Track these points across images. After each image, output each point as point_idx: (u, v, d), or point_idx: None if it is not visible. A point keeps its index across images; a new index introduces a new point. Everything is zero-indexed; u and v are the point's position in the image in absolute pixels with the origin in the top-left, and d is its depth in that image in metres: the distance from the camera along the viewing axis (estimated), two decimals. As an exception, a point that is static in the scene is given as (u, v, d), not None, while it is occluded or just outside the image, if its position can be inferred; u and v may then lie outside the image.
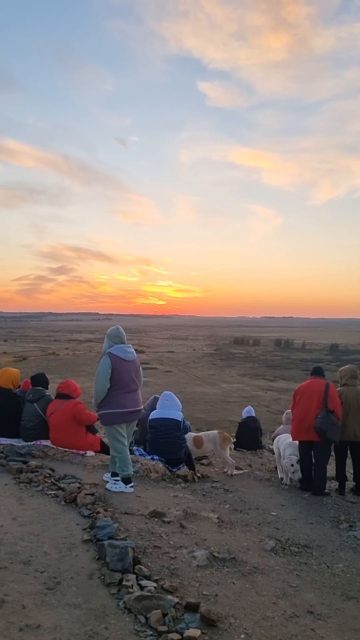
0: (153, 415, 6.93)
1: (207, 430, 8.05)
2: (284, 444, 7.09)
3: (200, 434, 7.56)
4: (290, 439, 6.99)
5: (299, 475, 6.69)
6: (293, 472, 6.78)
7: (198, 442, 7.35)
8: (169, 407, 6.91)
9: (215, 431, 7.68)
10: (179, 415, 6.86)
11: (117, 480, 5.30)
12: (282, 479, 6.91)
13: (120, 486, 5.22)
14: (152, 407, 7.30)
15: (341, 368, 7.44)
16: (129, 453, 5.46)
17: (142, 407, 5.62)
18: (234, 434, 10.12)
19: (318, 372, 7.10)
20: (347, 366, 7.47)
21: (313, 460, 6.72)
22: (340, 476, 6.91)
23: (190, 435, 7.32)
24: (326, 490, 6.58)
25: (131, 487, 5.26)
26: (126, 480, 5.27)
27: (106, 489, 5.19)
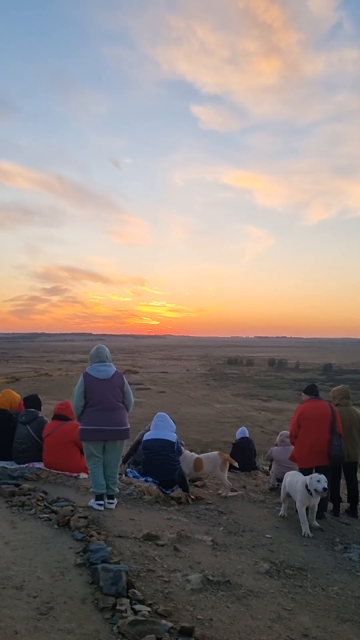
0: (147, 436, 6.90)
1: (203, 452, 7.96)
2: (298, 484, 5.93)
3: (200, 455, 7.46)
4: (299, 476, 6.12)
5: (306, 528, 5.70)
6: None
7: (198, 464, 7.25)
8: (163, 428, 6.88)
9: (216, 452, 7.59)
10: (172, 437, 6.83)
11: (101, 503, 5.34)
12: (282, 515, 6.29)
13: (91, 502, 5.32)
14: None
15: (334, 388, 7.47)
16: (100, 472, 5.42)
17: (124, 427, 5.50)
18: (229, 455, 10.06)
19: (314, 391, 7.01)
20: (340, 386, 7.50)
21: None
22: (335, 497, 6.89)
23: (192, 457, 7.25)
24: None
25: (99, 504, 5.27)
26: (96, 497, 5.36)
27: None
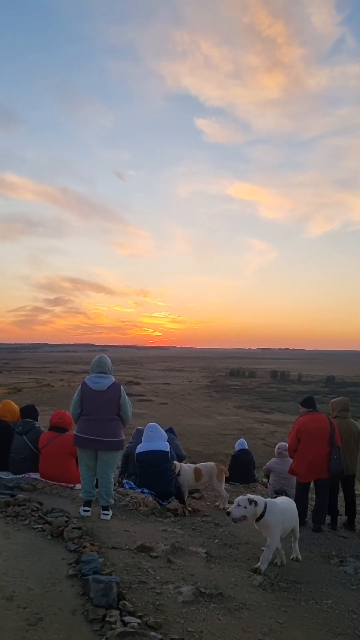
0: (140, 448, 6.85)
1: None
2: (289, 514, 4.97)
3: (198, 465, 7.41)
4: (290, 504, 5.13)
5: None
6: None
7: (198, 473, 7.17)
8: (155, 438, 6.85)
9: (212, 463, 7.55)
10: (165, 446, 6.81)
11: (87, 509, 5.42)
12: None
13: (80, 508, 5.42)
14: (138, 439, 7.27)
15: (333, 400, 7.45)
16: (89, 479, 5.53)
17: (114, 439, 5.50)
18: (227, 467, 10.02)
19: (311, 404, 6.96)
20: (339, 398, 7.49)
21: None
22: (333, 510, 6.85)
23: (191, 469, 7.17)
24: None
25: (85, 511, 5.36)
26: (84, 503, 5.46)
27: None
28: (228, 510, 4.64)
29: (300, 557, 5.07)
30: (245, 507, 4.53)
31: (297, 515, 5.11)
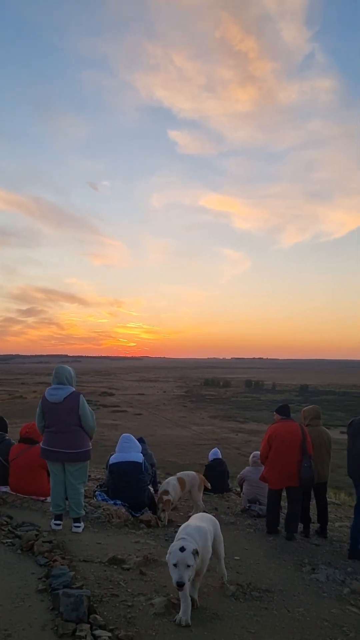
0: (112, 459, 6.79)
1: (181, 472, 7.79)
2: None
3: (180, 474, 7.30)
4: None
5: None
6: None
7: (182, 483, 7.05)
8: (129, 449, 6.79)
9: (194, 473, 7.44)
10: (139, 457, 6.75)
11: (58, 523, 5.39)
12: None
13: (51, 522, 5.39)
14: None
15: (305, 408, 7.52)
16: (58, 492, 5.47)
17: (77, 450, 5.43)
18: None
19: (285, 412, 7.01)
20: (311, 406, 7.56)
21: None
22: (305, 518, 6.89)
23: (175, 479, 7.05)
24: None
25: (56, 524, 5.32)
26: (55, 517, 5.42)
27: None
28: (180, 582, 3.36)
29: (226, 578, 4.35)
30: (192, 565, 3.45)
31: (209, 536, 4.04)
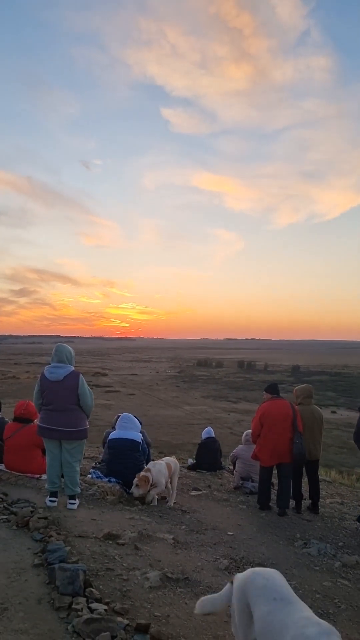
0: (112, 435, 6.86)
1: (172, 454, 7.70)
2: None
3: (165, 459, 7.05)
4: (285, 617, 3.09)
5: None
6: None
7: (169, 467, 6.74)
8: (128, 428, 6.85)
9: (175, 459, 7.18)
10: (138, 436, 6.81)
11: (53, 500, 5.40)
12: None
13: (46, 499, 5.40)
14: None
15: (297, 387, 7.59)
16: (54, 469, 5.47)
17: (74, 429, 5.44)
18: (194, 456, 10.10)
19: (275, 390, 7.11)
20: (303, 385, 7.62)
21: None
22: (297, 495, 6.99)
23: (162, 464, 6.65)
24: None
25: (51, 501, 5.33)
26: (50, 494, 5.43)
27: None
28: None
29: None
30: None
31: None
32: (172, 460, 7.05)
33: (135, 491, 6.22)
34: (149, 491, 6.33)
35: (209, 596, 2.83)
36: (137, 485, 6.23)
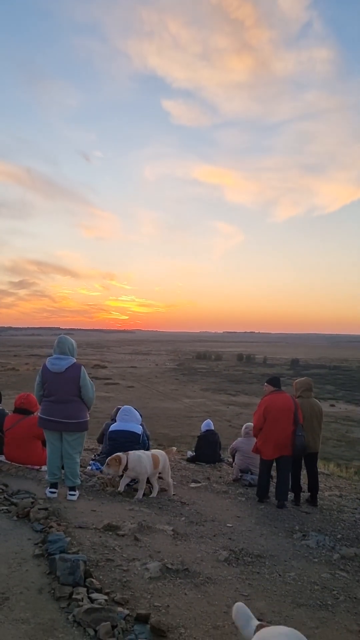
0: (113, 427, 6.90)
1: (170, 447, 7.59)
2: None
3: (153, 451, 6.65)
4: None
5: None
6: None
7: (156, 460, 6.42)
8: (129, 421, 6.90)
9: (164, 453, 6.78)
10: (138, 429, 6.85)
11: (53, 491, 5.43)
12: None
13: (46, 489, 5.43)
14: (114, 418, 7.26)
15: (297, 380, 7.61)
16: (55, 460, 5.50)
17: (75, 420, 5.46)
18: (194, 448, 10.13)
19: (277, 383, 7.12)
20: (303, 378, 7.64)
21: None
22: (296, 487, 7.02)
23: (148, 456, 6.34)
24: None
25: (51, 492, 5.36)
26: (50, 485, 5.46)
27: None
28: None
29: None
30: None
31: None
32: (160, 452, 6.66)
33: (106, 470, 5.97)
34: (121, 475, 6.07)
35: (247, 610, 2.40)
36: (107, 464, 5.97)
